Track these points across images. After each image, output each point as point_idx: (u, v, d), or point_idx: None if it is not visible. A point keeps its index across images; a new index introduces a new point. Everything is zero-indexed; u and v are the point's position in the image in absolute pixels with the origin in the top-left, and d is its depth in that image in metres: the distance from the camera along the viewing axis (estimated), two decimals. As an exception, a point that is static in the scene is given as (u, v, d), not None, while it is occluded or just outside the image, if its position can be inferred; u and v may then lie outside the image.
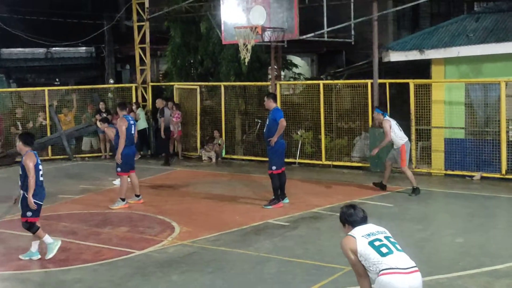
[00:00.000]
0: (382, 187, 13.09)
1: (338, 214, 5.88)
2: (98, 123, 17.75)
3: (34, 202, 8.62)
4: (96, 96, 20.07)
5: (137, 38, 20.13)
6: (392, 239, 5.56)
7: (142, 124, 18.77)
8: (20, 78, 26.67)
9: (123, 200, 12.16)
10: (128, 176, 12.34)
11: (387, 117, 12.82)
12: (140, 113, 18.83)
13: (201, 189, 13.79)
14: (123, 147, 12.07)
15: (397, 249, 5.44)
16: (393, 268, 5.26)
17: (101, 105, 18.94)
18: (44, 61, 28.03)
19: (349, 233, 5.59)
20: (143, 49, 20.18)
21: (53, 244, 8.91)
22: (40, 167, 8.75)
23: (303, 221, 10.80)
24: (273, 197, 11.87)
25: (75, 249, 9.37)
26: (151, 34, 20.38)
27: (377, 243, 5.43)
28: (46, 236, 8.91)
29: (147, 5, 19.69)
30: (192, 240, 9.65)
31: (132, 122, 12.52)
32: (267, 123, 11.88)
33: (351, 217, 5.70)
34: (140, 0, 19.78)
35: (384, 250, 5.38)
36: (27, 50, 27.55)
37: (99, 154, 19.12)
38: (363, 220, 5.68)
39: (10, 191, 12.94)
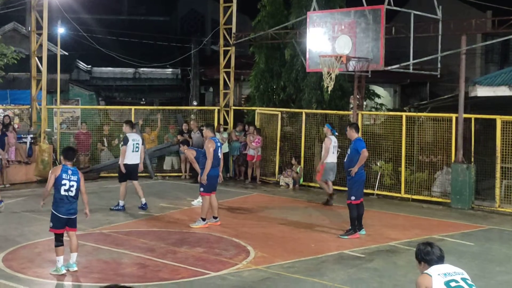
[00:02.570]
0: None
1: (415, 249, 5.77)
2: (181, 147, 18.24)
3: (53, 213, 9.01)
4: (180, 117, 20.57)
5: (222, 62, 20.55)
6: (469, 281, 5.40)
7: (224, 147, 19.11)
8: (108, 96, 27.68)
9: (203, 220, 12.40)
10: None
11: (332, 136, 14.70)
12: (225, 136, 19.16)
13: (278, 215, 13.83)
14: (209, 169, 12.32)
15: None
16: None
17: (184, 126, 19.40)
18: (132, 80, 29.05)
19: (425, 271, 5.48)
20: (228, 73, 20.56)
21: (62, 267, 9.06)
22: (64, 182, 8.99)
23: (379, 254, 10.64)
24: (350, 227, 11.77)
25: (153, 266, 9.58)
26: (236, 58, 20.78)
27: (453, 284, 5.30)
28: (60, 257, 9.07)
29: (234, 30, 20.10)
30: (266, 265, 9.68)
31: (219, 144, 12.79)
32: (348, 153, 11.85)
33: (428, 255, 5.56)
34: (228, 25, 20.23)
35: None
36: (117, 69, 28.66)
37: (179, 174, 19.52)
38: (440, 259, 5.54)
39: (92, 205, 13.49)
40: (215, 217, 12.67)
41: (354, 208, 11.69)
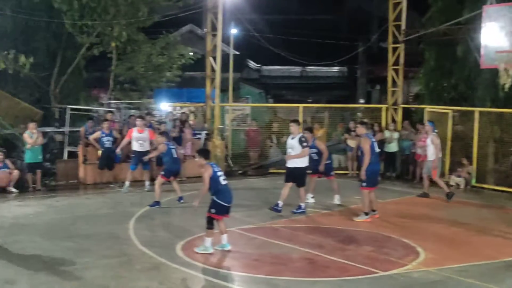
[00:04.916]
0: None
1: None
2: (348, 141, 18.27)
3: (218, 202, 9.81)
4: (347, 115, 20.60)
5: (390, 60, 20.26)
6: None
7: (392, 146, 18.92)
8: (276, 94, 28.41)
9: (366, 214, 12.66)
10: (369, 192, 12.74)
11: None
12: (394, 135, 18.91)
13: (448, 216, 13.40)
14: (368, 164, 12.49)
15: None
16: None
17: (351, 124, 19.41)
18: (299, 79, 29.60)
19: None
20: (396, 71, 20.24)
21: (211, 247, 9.89)
22: (219, 174, 9.94)
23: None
24: None
25: (321, 262, 9.71)
26: (404, 56, 20.37)
27: None
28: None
29: (403, 27, 19.74)
30: (437, 267, 9.43)
31: (373, 140, 12.94)
32: None
33: None
34: (397, 22, 19.90)
35: None
36: (284, 68, 29.34)
37: (346, 172, 19.56)
38: None
39: (261, 200, 13.95)
40: (373, 210, 12.94)
41: None
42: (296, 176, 13.21)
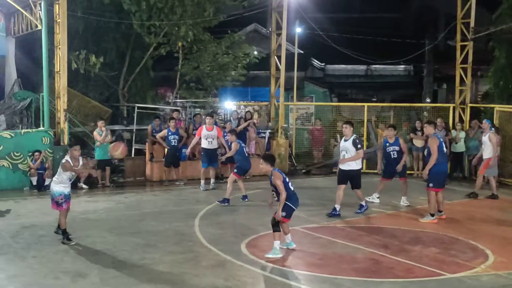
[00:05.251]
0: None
1: None
2: (414, 141, 18.01)
3: (289, 206, 9.82)
4: (413, 114, 20.29)
5: (459, 58, 19.83)
6: None
7: (460, 146, 18.53)
8: (341, 93, 28.23)
9: (432, 215, 12.52)
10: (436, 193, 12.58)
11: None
12: (461, 134, 18.52)
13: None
14: (433, 164, 12.31)
15: None
16: None
17: (417, 124, 19.13)
18: (364, 77, 29.32)
19: None
20: (464, 69, 19.79)
21: (279, 249, 9.85)
22: (287, 179, 9.96)
23: None
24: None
25: (386, 263, 9.62)
26: (473, 54, 19.90)
27: None
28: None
29: (472, 24, 19.29)
30: (508, 271, 9.20)
31: (441, 139, 12.71)
32: None
33: None
34: (465, 20, 19.46)
35: None
36: (349, 67, 29.13)
37: (411, 172, 19.27)
38: None
39: (324, 199, 13.93)
40: (439, 211, 12.76)
41: None
42: (352, 178, 13.03)
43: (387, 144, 14.38)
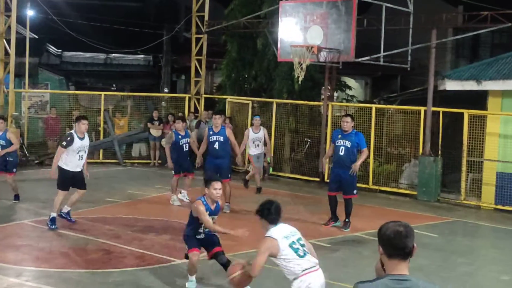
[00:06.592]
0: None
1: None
2: (151, 130, 18.07)
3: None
4: (150, 104, 20.45)
5: (194, 50, 20.45)
6: (302, 241, 6.08)
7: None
8: (78, 81, 27.35)
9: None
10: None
11: None
12: (193, 124, 19.07)
13: (249, 206, 13.78)
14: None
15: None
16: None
17: (155, 114, 19.30)
18: (103, 66, 28.76)
19: (269, 235, 6.00)
20: (199, 61, 20.48)
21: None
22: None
23: (345, 243, 10.74)
24: (347, 219, 11.77)
25: (118, 253, 9.53)
26: (208, 46, 20.68)
27: (295, 246, 5.97)
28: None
29: (206, 18, 20.00)
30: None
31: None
32: (344, 144, 11.46)
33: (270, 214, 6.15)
34: (200, 13, 20.11)
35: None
36: (87, 54, 28.31)
37: (148, 161, 19.42)
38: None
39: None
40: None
41: (349, 202, 11.76)
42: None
43: (180, 137, 13.47)
